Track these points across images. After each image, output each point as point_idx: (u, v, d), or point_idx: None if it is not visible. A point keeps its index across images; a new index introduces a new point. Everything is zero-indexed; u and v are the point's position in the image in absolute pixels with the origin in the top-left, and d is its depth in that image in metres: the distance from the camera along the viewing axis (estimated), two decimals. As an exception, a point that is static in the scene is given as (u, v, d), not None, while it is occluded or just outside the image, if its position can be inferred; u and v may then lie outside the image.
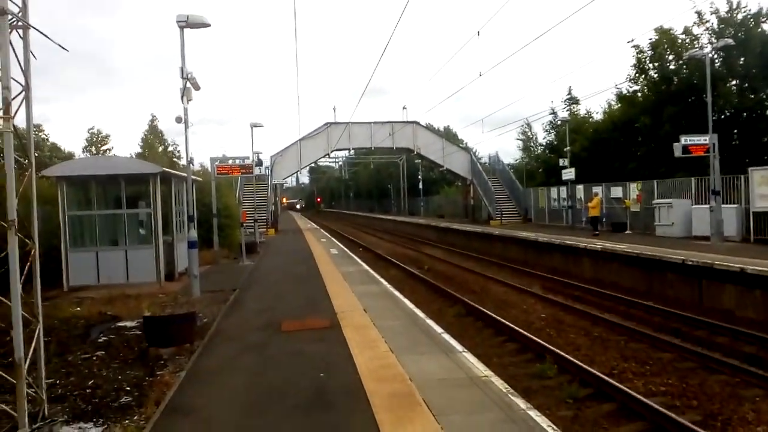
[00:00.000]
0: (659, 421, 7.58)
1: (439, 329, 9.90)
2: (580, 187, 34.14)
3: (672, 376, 9.75)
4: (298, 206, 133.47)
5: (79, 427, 6.42)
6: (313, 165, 62.20)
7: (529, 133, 56.22)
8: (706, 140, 22.21)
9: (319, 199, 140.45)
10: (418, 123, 47.11)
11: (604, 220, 29.68)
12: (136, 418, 6.67)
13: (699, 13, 31.46)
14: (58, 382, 8.14)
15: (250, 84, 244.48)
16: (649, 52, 33.93)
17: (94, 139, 35.47)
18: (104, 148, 36.14)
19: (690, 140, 22.90)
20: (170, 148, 38.24)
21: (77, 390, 7.81)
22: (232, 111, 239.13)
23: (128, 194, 17.41)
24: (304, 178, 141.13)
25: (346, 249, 27.17)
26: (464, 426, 5.60)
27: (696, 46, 31.23)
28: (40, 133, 35.02)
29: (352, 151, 55.44)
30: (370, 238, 45.48)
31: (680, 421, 7.36)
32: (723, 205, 21.67)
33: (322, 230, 46.51)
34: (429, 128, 52.10)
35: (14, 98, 6.52)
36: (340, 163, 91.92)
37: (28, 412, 6.25)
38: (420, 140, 46.34)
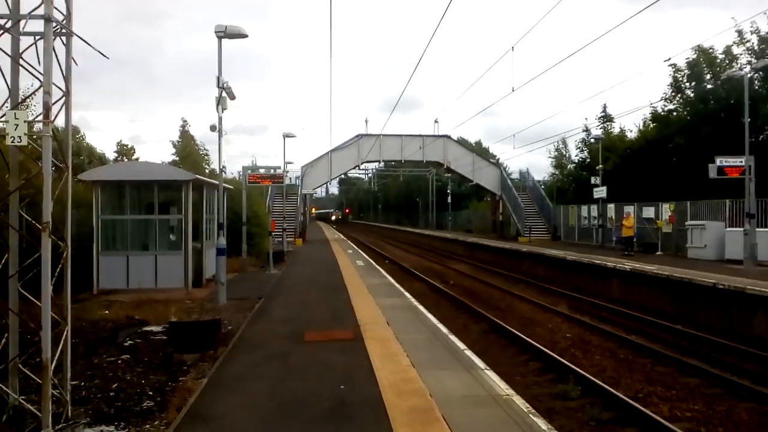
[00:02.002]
0: (684, 448, 7.43)
1: (462, 345, 9.84)
2: (611, 206, 33.75)
3: (698, 401, 9.55)
4: (333, 217, 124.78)
5: (101, 430, 6.51)
6: (342, 176, 62.48)
7: (563, 150, 55.87)
8: (742, 162, 21.80)
9: (347, 210, 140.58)
10: (449, 137, 47.10)
11: (635, 240, 29.17)
12: (157, 423, 6.75)
13: (740, 32, 31.06)
14: (82, 384, 8.28)
15: (284, 95, 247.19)
16: (686, 71, 33.56)
17: (123, 150, 36.43)
18: (134, 157, 36.95)
19: (725, 161, 22.50)
20: (202, 152, 38.46)
21: (101, 393, 7.93)
22: (265, 120, 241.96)
23: (160, 200, 17.71)
24: (334, 189, 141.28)
25: (371, 261, 27.21)
26: (483, 445, 5.55)
27: (735, 65, 30.79)
28: (77, 136, 35.77)
29: (382, 164, 55.65)
30: (396, 251, 45.48)
31: (705, 449, 7.21)
32: (758, 229, 21.27)
33: (349, 241, 46.65)
34: (460, 142, 52.01)
35: (55, 103, 6.70)
36: (370, 174, 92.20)
37: (52, 413, 6.36)
38: (450, 154, 46.29)
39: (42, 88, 6.50)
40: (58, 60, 6.83)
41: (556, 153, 56.04)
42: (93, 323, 12.14)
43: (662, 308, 17.63)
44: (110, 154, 37.07)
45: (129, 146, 36.90)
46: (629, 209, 30.76)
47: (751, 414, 8.98)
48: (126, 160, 35.75)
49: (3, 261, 6.71)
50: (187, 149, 36.02)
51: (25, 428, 6.38)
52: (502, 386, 7.42)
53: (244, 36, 15.09)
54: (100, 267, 16.48)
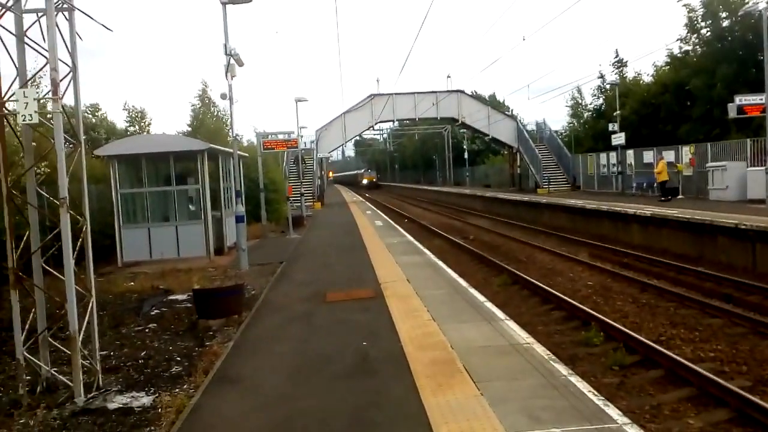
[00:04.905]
0: (707, 387, 7.46)
1: (482, 298, 9.92)
2: (630, 152, 33.30)
3: (722, 342, 9.55)
4: (364, 180, 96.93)
5: (132, 396, 6.70)
6: (357, 138, 62.24)
7: (579, 98, 54.94)
8: (762, 99, 21.37)
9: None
10: (462, 91, 46.53)
11: (655, 185, 28.47)
12: (186, 387, 6.92)
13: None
14: (112, 353, 8.50)
15: (292, 58, 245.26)
16: (701, 11, 32.72)
17: (133, 116, 35.67)
18: (147, 125, 36.10)
19: (745, 100, 22.08)
20: (222, 119, 37.61)
21: (130, 361, 8.14)
22: (274, 85, 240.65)
23: (177, 171, 17.83)
24: (349, 152, 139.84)
25: (390, 221, 27.28)
26: (504, 391, 5.63)
27: (751, 1, 29.93)
28: (96, 113, 35.64)
29: (396, 123, 55.27)
30: (415, 210, 45.47)
31: (728, 387, 7.23)
32: (780, 167, 20.92)
33: (367, 203, 46.73)
34: (474, 96, 51.43)
35: (62, 79, 6.73)
36: (385, 135, 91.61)
37: (84, 383, 6.56)
38: (465, 109, 45.82)
39: (48, 65, 6.53)
40: (62, 36, 6.85)
41: (572, 102, 55.14)
42: (119, 295, 12.41)
43: (684, 251, 17.54)
44: (120, 123, 36.49)
45: (139, 110, 36.07)
46: (648, 154, 30.29)
47: (774, 351, 8.97)
48: (138, 128, 35.34)
49: (25, 238, 6.85)
50: (207, 115, 35.66)
51: (59, 398, 6.58)
52: (522, 335, 7.48)
53: (249, 0, 14.96)
54: (123, 240, 16.73)
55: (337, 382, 6.25)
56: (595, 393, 5.58)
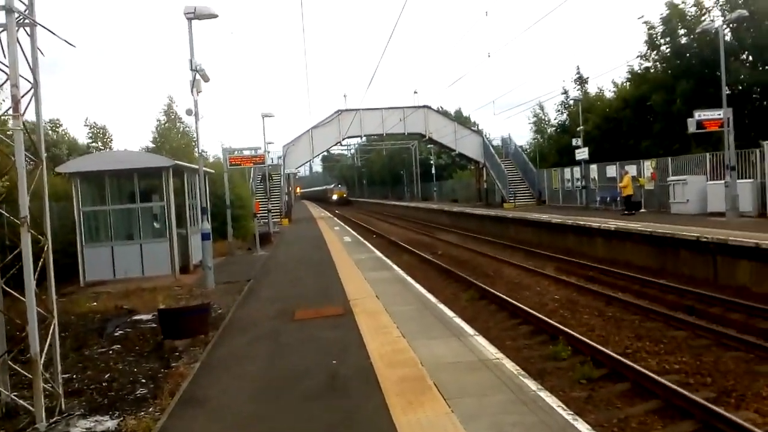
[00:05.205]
0: (673, 399, 7.56)
1: (451, 314, 9.93)
2: (593, 167, 33.86)
3: (686, 353, 9.71)
4: (334, 196, 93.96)
5: (96, 420, 6.54)
6: (325, 153, 62.08)
7: (541, 114, 55.77)
8: (720, 115, 21.92)
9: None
10: (429, 107, 46.81)
11: (619, 198, 28.94)
12: (151, 410, 6.79)
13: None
14: (75, 376, 8.30)
15: (259, 74, 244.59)
16: (661, 28, 33.52)
17: (95, 132, 34.87)
18: (109, 141, 35.21)
19: (704, 115, 22.58)
20: (190, 135, 36.82)
21: (94, 384, 7.96)
22: (241, 101, 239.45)
23: (142, 188, 17.59)
24: (317, 168, 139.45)
25: (359, 236, 27.24)
26: (474, 408, 5.62)
27: (707, 18, 30.76)
28: (57, 128, 34.84)
29: (363, 138, 55.33)
30: (383, 225, 45.51)
31: (694, 399, 7.35)
32: (738, 181, 21.44)
33: (335, 218, 46.62)
34: (440, 112, 51.78)
35: (24, 95, 6.60)
36: (353, 150, 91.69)
37: (46, 407, 6.37)
38: (431, 125, 46.09)
39: (9, 81, 6.40)
40: (23, 51, 6.72)
41: (535, 118, 55.92)
42: (82, 315, 12.15)
43: (647, 264, 17.85)
44: (82, 139, 35.66)
45: (101, 126, 35.25)
46: (611, 169, 30.82)
47: (737, 363, 9.14)
48: (102, 145, 34.61)
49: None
50: (173, 131, 35.13)
51: (19, 424, 6.39)
52: (491, 351, 7.50)
53: (215, 16, 14.90)
54: (85, 259, 16.40)
55: (306, 402, 6.18)
56: (564, 407, 5.62)
